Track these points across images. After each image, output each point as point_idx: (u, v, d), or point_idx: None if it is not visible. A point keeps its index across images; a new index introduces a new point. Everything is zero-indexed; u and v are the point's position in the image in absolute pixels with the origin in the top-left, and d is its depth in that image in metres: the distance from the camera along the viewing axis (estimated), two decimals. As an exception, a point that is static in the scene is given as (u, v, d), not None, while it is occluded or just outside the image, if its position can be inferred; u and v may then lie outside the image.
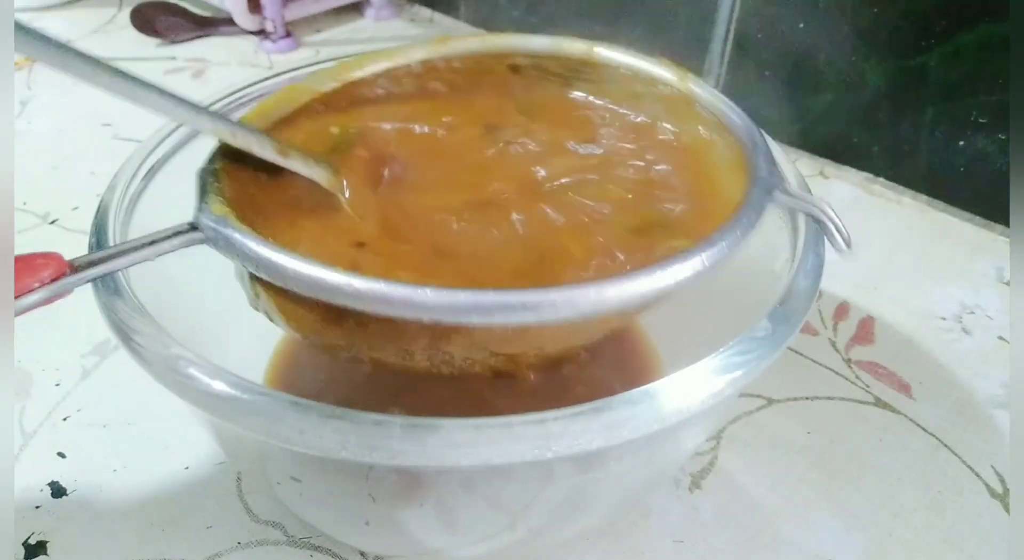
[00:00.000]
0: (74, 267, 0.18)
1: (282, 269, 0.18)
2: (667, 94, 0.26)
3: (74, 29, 0.62)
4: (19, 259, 0.17)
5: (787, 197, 0.22)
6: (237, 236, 0.19)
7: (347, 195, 0.23)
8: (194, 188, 0.21)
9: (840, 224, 0.21)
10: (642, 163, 0.26)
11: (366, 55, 0.27)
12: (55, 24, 0.63)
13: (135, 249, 0.19)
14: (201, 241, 0.20)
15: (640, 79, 0.27)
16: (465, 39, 0.27)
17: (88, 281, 0.18)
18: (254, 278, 0.21)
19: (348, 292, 0.18)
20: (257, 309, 0.22)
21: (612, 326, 0.23)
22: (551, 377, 0.23)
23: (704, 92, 0.26)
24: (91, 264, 0.18)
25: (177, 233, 0.19)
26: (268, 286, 0.20)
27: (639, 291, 0.18)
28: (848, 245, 0.21)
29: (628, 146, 0.26)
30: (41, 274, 0.17)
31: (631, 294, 0.18)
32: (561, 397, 0.19)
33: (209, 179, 0.21)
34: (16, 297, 0.17)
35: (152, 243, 0.19)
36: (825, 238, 0.22)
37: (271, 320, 0.22)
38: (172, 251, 0.19)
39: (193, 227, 0.20)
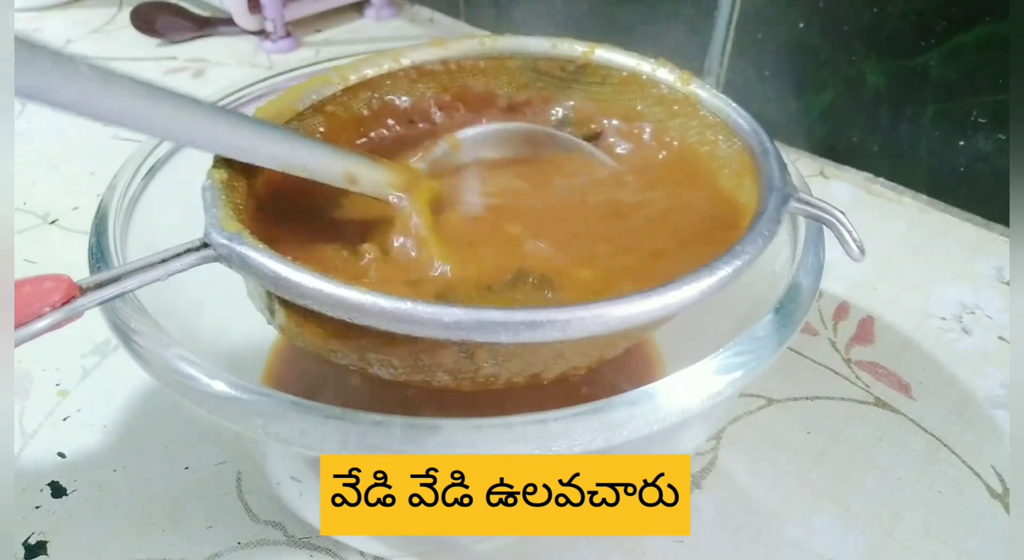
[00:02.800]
0: (83, 289, 0.17)
1: (302, 288, 0.18)
2: (669, 98, 0.26)
3: (74, 29, 0.62)
4: (28, 282, 0.17)
5: (801, 205, 0.22)
6: (253, 254, 0.18)
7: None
8: (201, 203, 0.20)
9: (854, 230, 0.21)
10: (651, 176, 0.26)
11: (359, 61, 0.27)
12: (55, 24, 0.63)
13: (145, 269, 0.18)
14: (214, 259, 0.19)
15: (642, 82, 0.26)
16: (462, 41, 0.27)
17: (99, 304, 0.18)
18: (270, 295, 0.20)
19: (373, 311, 0.17)
20: (272, 325, 0.22)
21: (637, 339, 0.22)
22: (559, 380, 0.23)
23: (707, 95, 0.25)
24: (100, 285, 0.18)
25: (188, 250, 0.19)
26: (285, 304, 0.20)
27: (665, 305, 0.18)
28: (863, 252, 0.21)
29: (633, 157, 0.26)
30: (51, 298, 0.17)
31: (659, 308, 0.18)
32: (566, 397, 0.19)
33: (217, 193, 0.20)
34: (27, 322, 0.16)
35: (162, 261, 0.18)
36: (840, 244, 0.21)
37: (289, 338, 0.21)
38: (183, 270, 0.19)
39: (205, 244, 0.19)
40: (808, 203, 0.22)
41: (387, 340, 0.19)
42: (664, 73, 0.26)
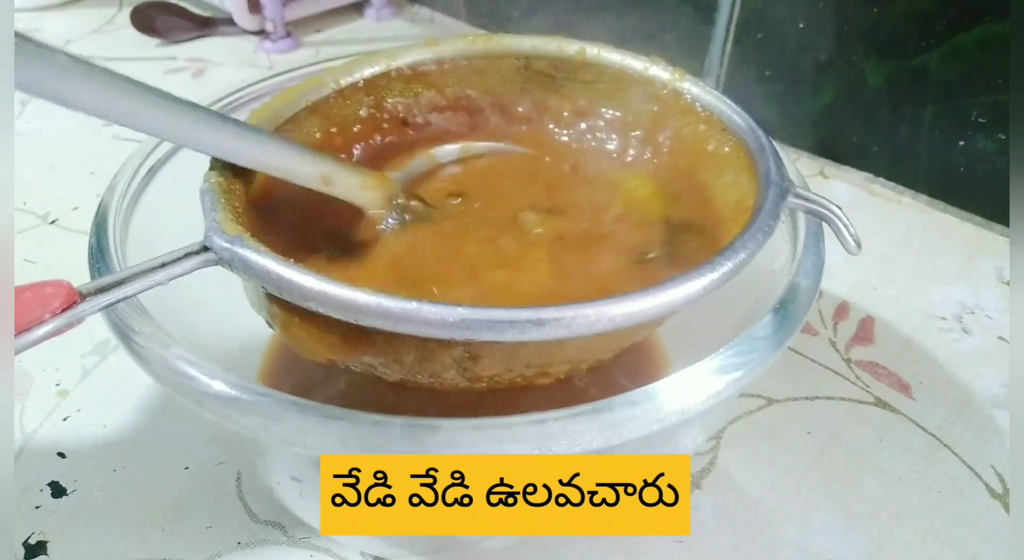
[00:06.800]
0: (84, 295, 0.17)
1: (306, 291, 0.18)
2: (664, 95, 0.26)
3: (74, 29, 0.62)
4: (29, 288, 0.16)
5: (798, 200, 0.22)
6: (255, 257, 0.18)
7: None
8: (200, 206, 0.20)
9: (850, 225, 0.21)
10: (646, 172, 0.26)
11: (352, 62, 0.27)
12: (55, 24, 0.63)
13: (145, 273, 0.18)
14: (215, 263, 0.19)
15: (635, 80, 0.26)
16: (454, 41, 0.27)
17: (99, 310, 0.18)
18: (271, 300, 0.20)
19: (378, 312, 0.17)
20: (273, 328, 0.22)
21: (640, 336, 0.23)
22: (562, 379, 0.23)
23: (702, 92, 0.25)
24: (101, 290, 0.18)
25: (188, 254, 0.19)
26: (286, 306, 0.20)
27: (668, 302, 0.18)
28: (859, 246, 0.21)
29: (628, 155, 0.26)
30: (52, 304, 0.16)
31: (661, 305, 0.18)
32: (570, 397, 0.19)
33: (216, 196, 0.20)
34: (28, 329, 0.16)
35: (163, 266, 0.18)
36: (837, 238, 0.22)
37: (291, 343, 0.21)
38: (184, 274, 0.19)
39: (205, 248, 0.19)
40: (806, 198, 0.22)
41: (391, 341, 0.19)
42: (658, 70, 0.26)
